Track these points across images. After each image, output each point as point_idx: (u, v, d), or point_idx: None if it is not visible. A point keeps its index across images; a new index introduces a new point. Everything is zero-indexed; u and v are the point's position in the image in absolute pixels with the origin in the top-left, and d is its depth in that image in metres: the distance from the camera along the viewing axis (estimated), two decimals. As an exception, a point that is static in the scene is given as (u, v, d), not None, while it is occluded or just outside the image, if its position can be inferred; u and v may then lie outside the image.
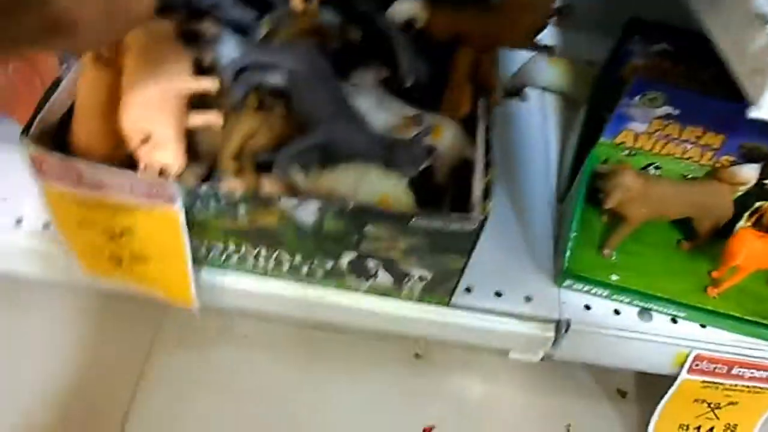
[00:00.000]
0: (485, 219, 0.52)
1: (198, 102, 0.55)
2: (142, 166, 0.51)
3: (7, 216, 0.66)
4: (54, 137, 0.56)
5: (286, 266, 0.61)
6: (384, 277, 0.60)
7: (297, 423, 0.81)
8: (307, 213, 0.53)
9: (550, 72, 0.81)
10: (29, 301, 0.89)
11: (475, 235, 0.53)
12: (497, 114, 0.80)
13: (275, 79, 0.56)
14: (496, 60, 0.61)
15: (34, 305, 0.89)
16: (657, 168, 0.66)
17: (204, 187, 0.53)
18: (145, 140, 0.51)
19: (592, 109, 0.75)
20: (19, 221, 0.66)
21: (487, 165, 0.56)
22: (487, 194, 0.54)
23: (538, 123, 0.84)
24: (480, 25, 0.58)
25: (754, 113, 0.40)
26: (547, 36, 0.67)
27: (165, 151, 0.51)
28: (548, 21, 0.57)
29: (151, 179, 0.51)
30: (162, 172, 0.51)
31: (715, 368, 0.65)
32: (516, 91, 0.83)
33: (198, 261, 0.60)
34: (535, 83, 0.84)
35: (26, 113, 0.59)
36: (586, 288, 0.65)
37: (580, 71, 0.83)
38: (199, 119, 0.55)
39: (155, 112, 0.51)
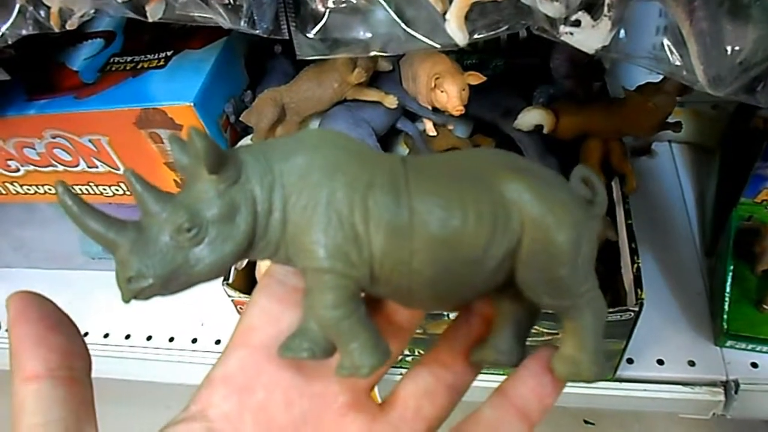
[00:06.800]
0: (641, 306, 0.55)
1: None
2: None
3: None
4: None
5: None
6: (548, 362, 0.64)
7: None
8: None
9: (676, 124, 0.81)
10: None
11: (633, 321, 0.57)
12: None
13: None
14: (625, 146, 0.64)
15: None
16: (805, 218, 0.66)
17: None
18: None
19: (726, 158, 0.76)
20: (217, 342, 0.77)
21: (633, 251, 0.59)
22: (638, 281, 0.57)
23: (671, 176, 0.85)
24: (605, 123, 0.61)
25: None
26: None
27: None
28: (671, 112, 0.59)
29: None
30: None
31: None
32: (644, 149, 0.85)
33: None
34: (661, 138, 0.85)
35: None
36: (750, 346, 0.66)
37: (706, 118, 0.83)
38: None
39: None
